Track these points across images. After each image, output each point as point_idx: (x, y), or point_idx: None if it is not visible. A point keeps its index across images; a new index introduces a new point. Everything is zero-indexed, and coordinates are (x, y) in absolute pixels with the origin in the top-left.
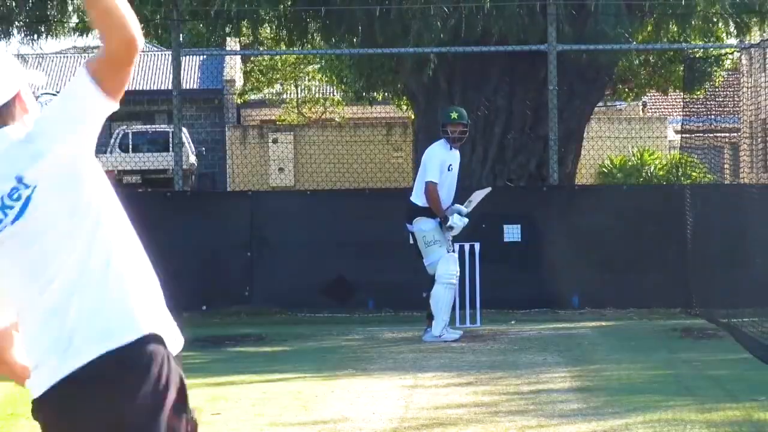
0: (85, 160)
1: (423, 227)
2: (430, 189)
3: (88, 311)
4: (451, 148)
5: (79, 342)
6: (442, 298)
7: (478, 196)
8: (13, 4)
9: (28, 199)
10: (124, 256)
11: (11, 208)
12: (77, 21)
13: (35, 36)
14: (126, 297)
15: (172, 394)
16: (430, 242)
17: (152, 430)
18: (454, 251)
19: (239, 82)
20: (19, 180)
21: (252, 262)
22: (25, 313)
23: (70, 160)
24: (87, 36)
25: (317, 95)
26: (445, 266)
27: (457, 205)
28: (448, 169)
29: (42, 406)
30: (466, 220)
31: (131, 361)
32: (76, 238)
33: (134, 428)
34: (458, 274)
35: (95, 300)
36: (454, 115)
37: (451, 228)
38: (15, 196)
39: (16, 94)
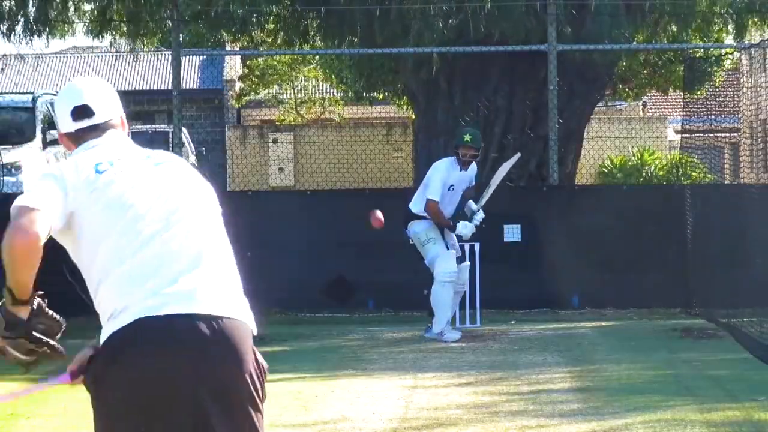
0: None
1: (416, 229)
2: (431, 206)
3: (208, 274)
4: (460, 170)
5: (198, 295)
6: (440, 296)
7: (501, 171)
8: (13, 4)
9: (167, 162)
10: (228, 249)
11: (151, 157)
12: (78, 22)
13: (36, 36)
14: (236, 281)
15: (259, 379)
16: (425, 241)
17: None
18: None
19: (237, 85)
20: (156, 154)
21: (252, 262)
22: (136, 253)
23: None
24: (97, 38)
25: (315, 95)
26: (442, 264)
27: (470, 202)
28: (449, 189)
29: (132, 334)
30: (478, 219)
31: (238, 334)
32: (199, 207)
33: (227, 392)
34: (456, 270)
35: (214, 268)
36: (467, 138)
37: (459, 236)
38: (157, 155)
39: (122, 116)
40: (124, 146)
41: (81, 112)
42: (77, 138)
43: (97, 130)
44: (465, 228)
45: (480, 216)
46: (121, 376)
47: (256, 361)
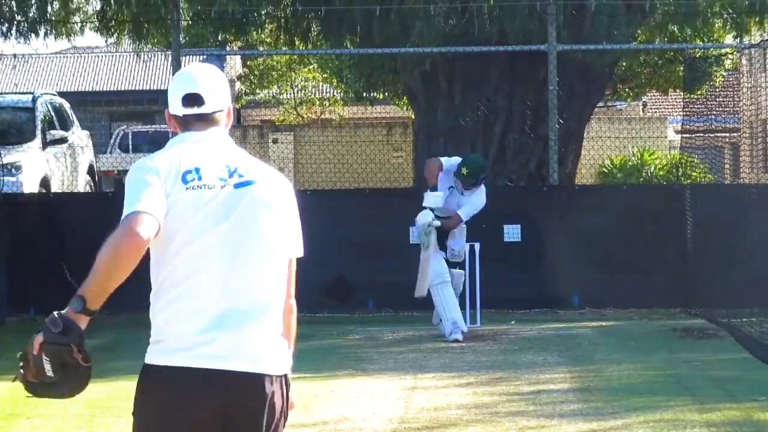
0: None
1: (421, 221)
2: (430, 165)
3: (267, 327)
4: (462, 193)
5: (234, 349)
6: (436, 301)
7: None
8: (14, 4)
9: (252, 182)
10: (280, 295)
11: (241, 176)
12: (78, 21)
13: (36, 36)
14: (278, 327)
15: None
16: (423, 243)
17: None
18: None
19: (237, 86)
20: (246, 168)
21: None
22: (204, 283)
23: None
24: (107, 38)
25: (315, 95)
26: (432, 269)
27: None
28: (449, 189)
29: (166, 378)
30: (437, 202)
31: (273, 390)
32: (264, 247)
33: None
34: (444, 271)
35: (275, 319)
36: (463, 170)
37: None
38: (249, 173)
39: (229, 107)
40: (219, 153)
41: (192, 99)
42: (184, 123)
43: (204, 120)
44: (434, 198)
45: (437, 201)
46: (151, 406)
47: (282, 395)
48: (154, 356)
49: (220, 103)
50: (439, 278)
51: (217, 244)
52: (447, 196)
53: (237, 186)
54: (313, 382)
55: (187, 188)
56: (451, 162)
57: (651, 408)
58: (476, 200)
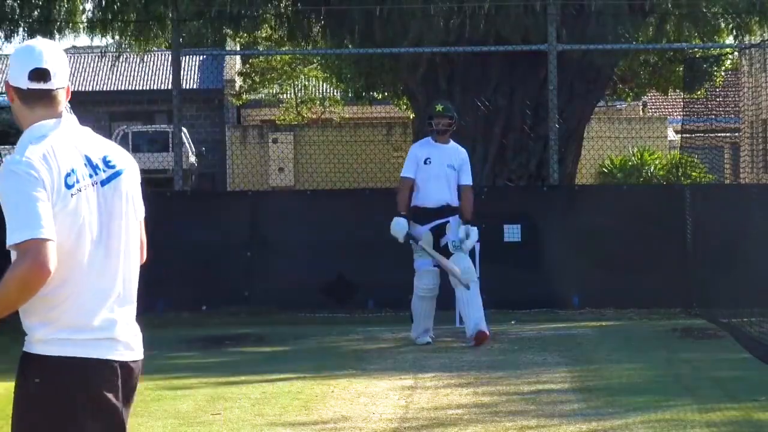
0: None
1: (415, 232)
2: (399, 182)
3: (128, 313)
4: (436, 141)
5: (129, 339)
6: (415, 307)
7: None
8: (16, 4)
9: (119, 173)
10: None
11: (106, 170)
12: (81, 21)
13: (39, 36)
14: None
15: None
16: (416, 249)
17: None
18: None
19: (237, 84)
20: (106, 159)
21: (252, 262)
22: (82, 274)
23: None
24: (98, 37)
25: (315, 95)
26: (419, 280)
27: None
28: (425, 163)
29: (69, 367)
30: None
31: (137, 373)
32: (128, 238)
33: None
34: (433, 286)
35: (131, 305)
36: (439, 107)
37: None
38: (111, 163)
39: (68, 85)
40: (78, 144)
41: (39, 75)
42: (26, 97)
43: (47, 96)
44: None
45: (462, 241)
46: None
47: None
48: (57, 347)
49: (63, 81)
50: (423, 292)
51: (96, 244)
52: (427, 167)
53: (104, 183)
54: (313, 382)
55: (72, 194)
56: (411, 149)
57: (651, 408)
58: (463, 156)
